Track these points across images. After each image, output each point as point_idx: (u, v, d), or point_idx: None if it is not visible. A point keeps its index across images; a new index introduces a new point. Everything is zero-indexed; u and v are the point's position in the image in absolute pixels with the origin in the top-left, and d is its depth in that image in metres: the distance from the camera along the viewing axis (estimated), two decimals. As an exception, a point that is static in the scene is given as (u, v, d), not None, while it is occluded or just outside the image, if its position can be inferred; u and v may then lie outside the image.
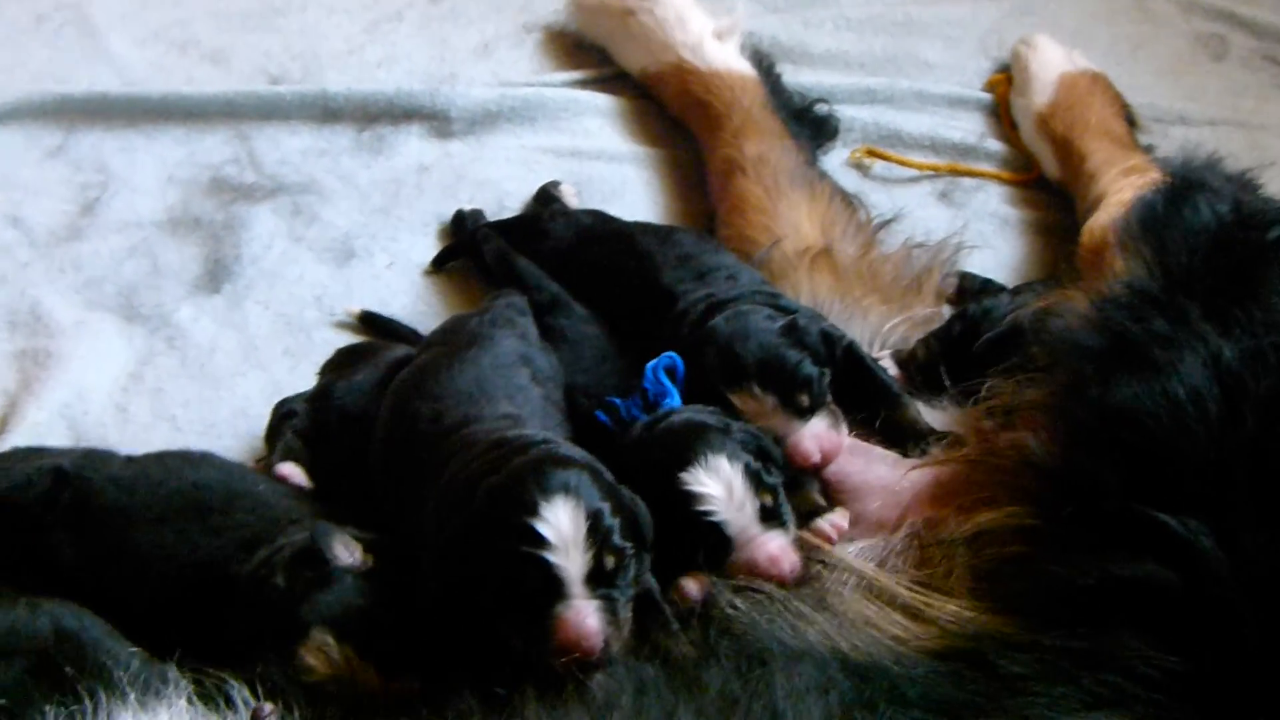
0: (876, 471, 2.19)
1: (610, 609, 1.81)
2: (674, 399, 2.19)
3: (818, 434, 2.18)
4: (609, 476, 1.92)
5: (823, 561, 1.99)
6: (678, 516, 1.98)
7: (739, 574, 1.98)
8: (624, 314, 2.55)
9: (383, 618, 1.91)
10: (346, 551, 1.97)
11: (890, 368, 2.45)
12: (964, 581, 1.91)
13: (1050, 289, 2.50)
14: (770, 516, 2.02)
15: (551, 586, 1.78)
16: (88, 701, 1.69)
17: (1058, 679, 1.66)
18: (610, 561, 1.81)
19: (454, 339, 2.35)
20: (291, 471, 2.30)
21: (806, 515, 2.11)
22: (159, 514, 2.11)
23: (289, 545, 1.98)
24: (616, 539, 1.83)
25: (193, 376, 2.73)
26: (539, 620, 1.78)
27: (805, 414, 2.19)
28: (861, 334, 2.53)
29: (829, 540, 2.06)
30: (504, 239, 2.81)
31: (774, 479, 2.07)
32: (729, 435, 2.07)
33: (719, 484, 1.99)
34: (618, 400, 2.23)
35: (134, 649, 1.85)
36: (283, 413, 2.46)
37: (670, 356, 2.23)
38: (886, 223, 2.94)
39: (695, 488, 1.99)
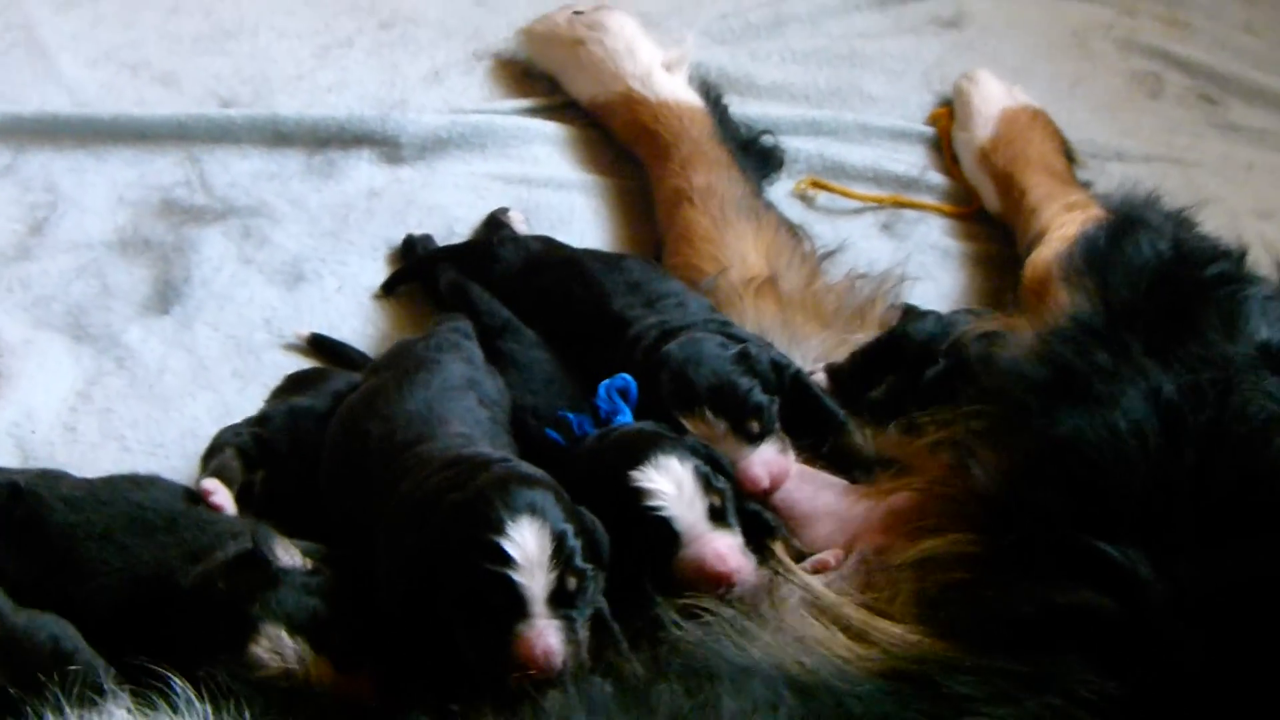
0: (824, 498, 2.24)
1: (570, 628, 1.84)
2: (626, 417, 2.24)
3: (767, 460, 2.23)
4: (567, 497, 1.95)
5: (775, 571, 2.04)
6: (627, 517, 2.02)
7: (686, 573, 2.02)
8: (574, 339, 2.58)
9: (335, 613, 1.92)
10: (286, 554, 1.99)
11: (822, 380, 2.51)
12: (909, 607, 1.94)
13: (981, 315, 2.56)
14: (718, 517, 2.07)
15: (515, 605, 1.81)
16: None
17: (1001, 700, 1.69)
18: (572, 583, 1.85)
19: (401, 363, 2.37)
20: (214, 488, 2.27)
21: (799, 557, 2.14)
22: (103, 531, 2.13)
23: (230, 553, 2.01)
24: (579, 560, 1.86)
25: (142, 397, 2.73)
26: (500, 637, 1.81)
27: (755, 440, 2.24)
28: (804, 361, 2.56)
29: (826, 567, 2.10)
30: (453, 264, 2.84)
31: (722, 484, 2.12)
32: (679, 443, 2.13)
33: (669, 480, 2.04)
34: (570, 415, 2.27)
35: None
36: (225, 434, 2.45)
37: (623, 378, 2.28)
38: (831, 253, 3.00)
39: (645, 484, 2.04)
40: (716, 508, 2.07)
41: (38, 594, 2.06)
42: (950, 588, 1.92)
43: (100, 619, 2.04)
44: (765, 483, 2.21)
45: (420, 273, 2.95)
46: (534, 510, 1.84)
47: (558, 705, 1.67)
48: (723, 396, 2.24)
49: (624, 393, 2.26)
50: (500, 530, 1.81)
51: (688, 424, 2.23)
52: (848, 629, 1.92)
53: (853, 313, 2.79)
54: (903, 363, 2.47)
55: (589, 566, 1.88)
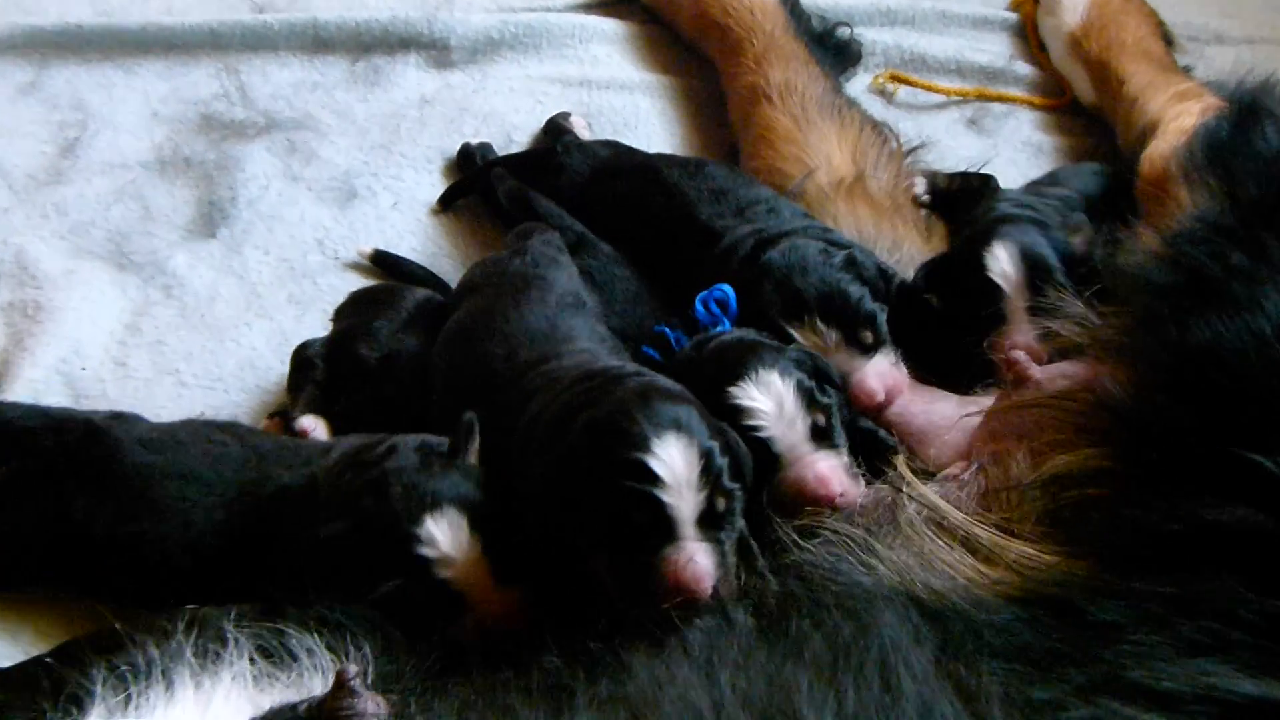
0: (939, 413, 2.24)
1: (719, 551, 1.84)
2: (726, 329, 2.23)
3: (881, 371, 2.24)
4: (703, 409, 1.93)
5: (897, 488, 2.03)
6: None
7: (786, 495, 2.04)
8: (654, 252, 2.59)
9: (501, 517, 1.93)
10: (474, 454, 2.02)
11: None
12: (1039, 526, 1.93)
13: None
14: (822, 436, 2.08)
15: (662, 526, 1.80)
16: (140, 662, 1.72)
17: (1151, 625, 1.68)
18: (721, 503, 1.84)
19: (501, 282, 2.38)
20: (313, 425, 2.35)
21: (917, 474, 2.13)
22: (184, 470, 2.14)
23: (386, 446, 2.02)
24: (727, 480, 1.86)
25: (194, 327, 2.75)
26: (645, 562, 1.80)
27: (868, 350, 2.25)
28: (902, 266, 2.57)
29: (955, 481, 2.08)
30: (515, 175, 2.84)
31: (828, 399, 2.12)
32: (782, 354, 2.12)
33: (769, 399, 2.05)
34: (666, 330, 2.27)
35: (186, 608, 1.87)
36: (302, 360, 2.51)
37: (721, 288, 2.28)
38: (915, 150, 2.99)
39: (744, 402, 2.05)
40: (820, 426, 2.08)
41: (107, 539, 2.11)
42: (1085, 506, 1.91)
43: (180, 562, 2.08)
44: (880, 395, 2.22)
45: (480, 184, 2.95)
46: (679, 426, 1.83)
47: (704, 638, 1.67)
48: (833, 305, 2.24)
49: (723, 304, 2.26)
50: (645, 447, 1.79)
51: (796, 335, 2.24)
52: (976, 550, 1.91)
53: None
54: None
55: (735, 486, 1.87)
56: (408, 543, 1.88)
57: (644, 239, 2.63)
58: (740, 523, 1.92)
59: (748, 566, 1.90)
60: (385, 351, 2.44)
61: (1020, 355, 2.19)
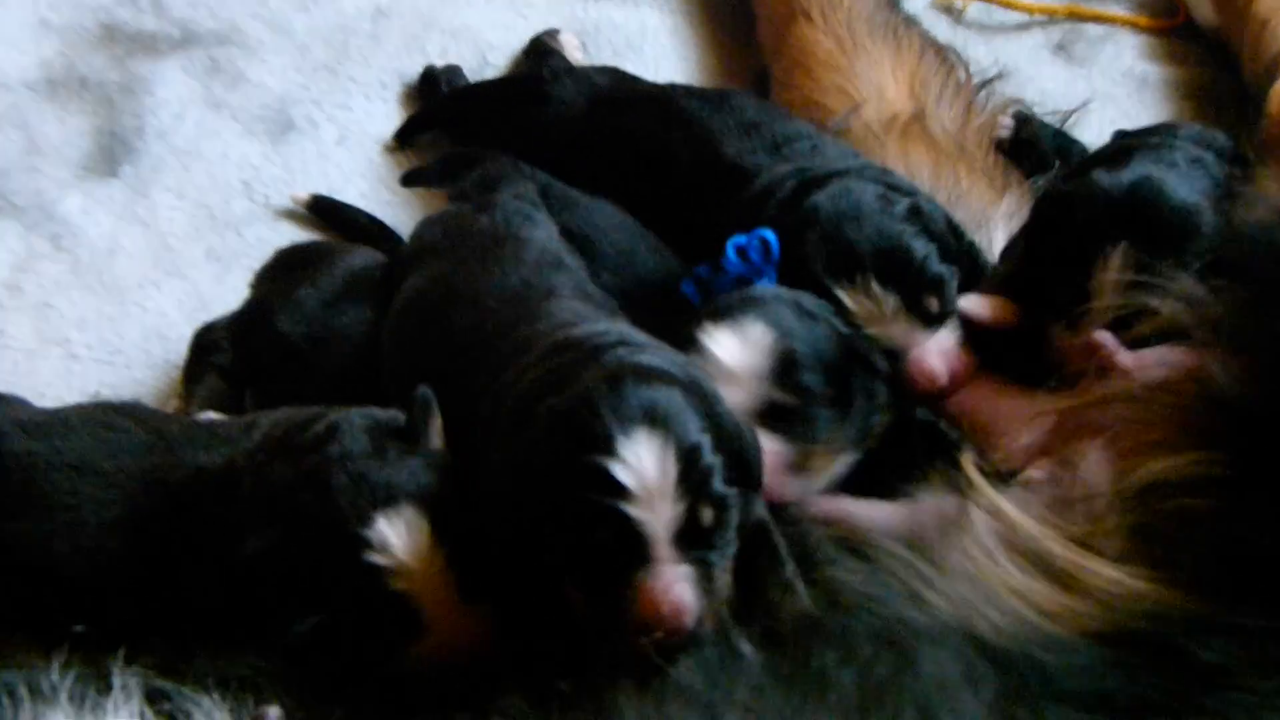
0: (1010, 404, 2.22)
1: (705, 575, 1.78)
2: (769, 281, 2.21)
3: (947, 349, 2.22)
4: (709, 387, 1.88)
5: (959, 493, 2.01)
6: None
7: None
8: (668, 205, 2.59)
9: (468, 516, 1.91)
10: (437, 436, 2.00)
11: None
12: (1127, 544, 1.92)
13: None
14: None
15: (631, 547, 1.74)
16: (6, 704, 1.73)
17: (1267, 669, 1.68)
18: (707, 515, 1.77)
19: (467, 242, 2.38)
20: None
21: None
22: (76, 460, 2.14)
23: (335, 420, 2.00)
24: (716, 485, 1.78)
25: (89, 287, 2.77)
26: (615, 588, 1.76)
27: (932, 323, 2.22)
28: (966, 224, 2.52)
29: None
30: (490, 107, 2.86)
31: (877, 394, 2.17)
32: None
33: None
34: (703, 271, 2.25)
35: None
36: (204, 344, 2.52)
37: (762, 232, 2.23)
38: (989, 82, 2.99)
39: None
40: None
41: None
42: (1186, 521, 1.90)
43: (70, 568, 2.08)
44: (945, 379, 2.21)
45: (446, 117, 2.98)
46: (654, 418, 1.75)
47: (703, 679, 1.66)
48: (893, 263, 2.20)
49: (764, 252, 2.21)
50: (608, 448, 1.73)
51: (846, 298, 2.20)
52: (1049, 571, 1.90)
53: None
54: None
55: (731, 492, 1.81)
56: (354, 547, 1.85)
57: (654, 188, 2.63)
58: (760, 512, 1.91)
59: (773, 571, 1.89)
60: (313, 329, 2.44)
61: (1107, 338, 2.18)
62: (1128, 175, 2.20)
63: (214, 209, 2.88)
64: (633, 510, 1.72)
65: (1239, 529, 1.86)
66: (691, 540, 1.77)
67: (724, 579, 1.82)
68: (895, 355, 2.21)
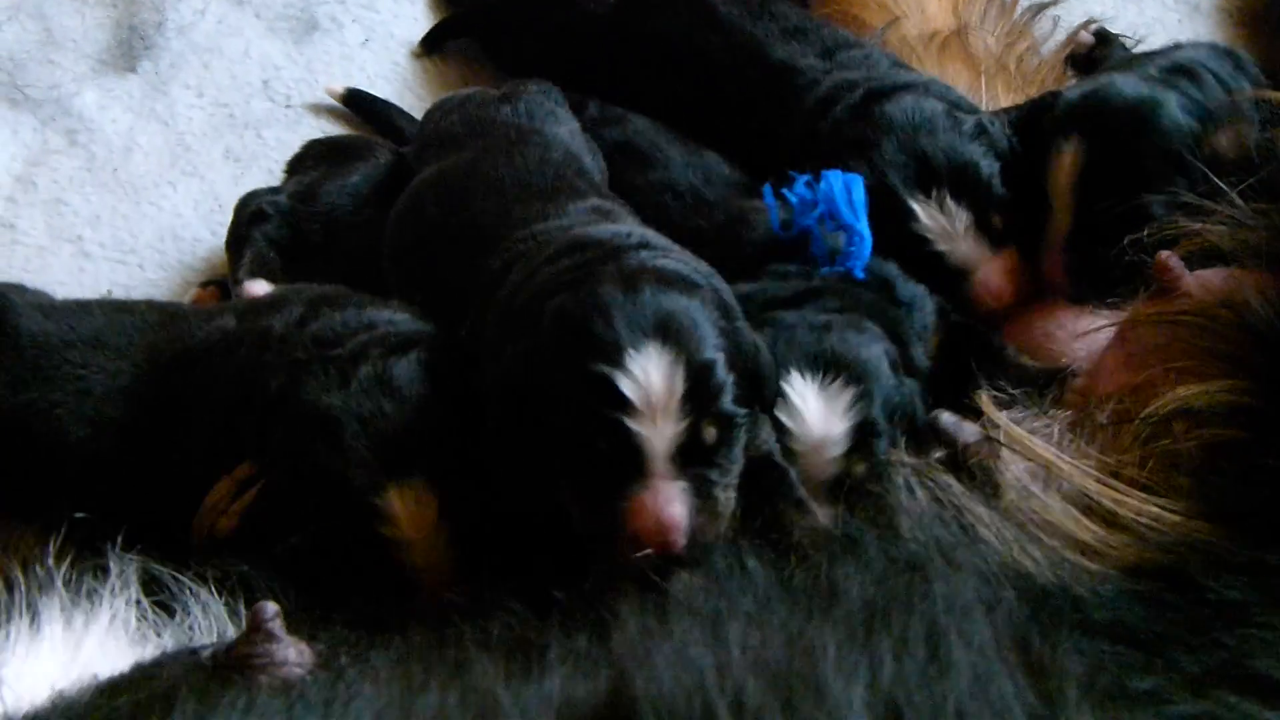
0: (1064, 322, 2.26)
1: (704, 492, 1.76)
2: (861, 228, 2.17)
3: (1011, 268, 2.26)
4: (729, 298, 1.86)
5: (997, 441, 1.99)
6: None
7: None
8: (711, 116, 2.57)
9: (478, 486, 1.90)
10: None
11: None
12: (1162, 473, 1.92)
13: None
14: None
15: (628, 461, 1.72)
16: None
17: None
18: (711, 433, 1.75)
19: (490, 131, 2.37)
20: (261, 291, 2.32)
21: None
22: (89, 336, 2.17)
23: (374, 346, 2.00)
24: (726, 403, 1.76)
25: (103, 184, 2.76)
26: (610, 500, 1.75)
27: (997, 241, 2.26)
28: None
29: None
30: (513, 11, 2.85)
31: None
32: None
33: None
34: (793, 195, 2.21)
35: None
36: (251, 211, 2.50)
37: (849, 176, 2.20)
38: (1043, 8, 2.96)
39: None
40: None
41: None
42: (1217, 450, 1.89)
43: (76, 438, 2.10)
44: (1010, 296, 2.25)
45: (475, 24, 2.96)
46: (668, 330, 1.73)
47: (708, 589, 1.65)
48: (965, 179, 2.25)
49: (848, 198, 2.17)
50: (614, 358, 1.71)
51: (920, 210, 2.24)
52: (1091, 507, 1.89)
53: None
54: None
55: (740, 411, 1.78)
56: (362, 513, 1.86)
57: (695, 93, 2.61)
58: (767, 442, 1.89)
59: (786, 498, 1.89)
60: (354, 212, 2.46)
61: (1174, 260, 2.14)
62: (1089, 84, 2.31)
63: (233, 108, 2.86)
64: (634, 424, 1.71)
65: (1266, 461, 1.83)
66: (692, 457, 1.75)
67: (727, 496, 1.80)
68: (959, 274, 2.25)
